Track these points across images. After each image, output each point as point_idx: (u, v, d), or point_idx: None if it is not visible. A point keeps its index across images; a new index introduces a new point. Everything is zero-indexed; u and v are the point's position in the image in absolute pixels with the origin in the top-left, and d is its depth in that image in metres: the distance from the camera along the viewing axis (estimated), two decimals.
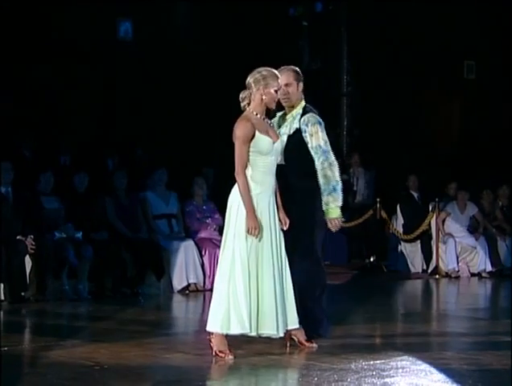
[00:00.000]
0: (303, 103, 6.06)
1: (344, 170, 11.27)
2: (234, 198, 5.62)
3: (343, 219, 6.11)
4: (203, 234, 9.84)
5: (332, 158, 5.96)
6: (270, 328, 5.53)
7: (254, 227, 5.47)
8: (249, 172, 5.61)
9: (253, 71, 5.72)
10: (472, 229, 11.71)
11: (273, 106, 5.76)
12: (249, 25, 12.16)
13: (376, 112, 12.38)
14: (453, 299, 10.10)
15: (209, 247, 9.57)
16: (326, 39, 12.66)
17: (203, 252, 9.62)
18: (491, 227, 11.83)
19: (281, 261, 5.64)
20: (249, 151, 5.57)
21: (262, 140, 5.59)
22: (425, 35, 12.79)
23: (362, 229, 11.63)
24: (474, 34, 12.95)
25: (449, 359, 5.52)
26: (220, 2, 12.03)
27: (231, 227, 5.58)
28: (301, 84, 6.06)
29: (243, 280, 5.46)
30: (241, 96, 5.72)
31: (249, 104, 5.69)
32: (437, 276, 11.30)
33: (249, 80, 5.69)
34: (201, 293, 9.36)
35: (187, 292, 9.48)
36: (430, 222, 11.55)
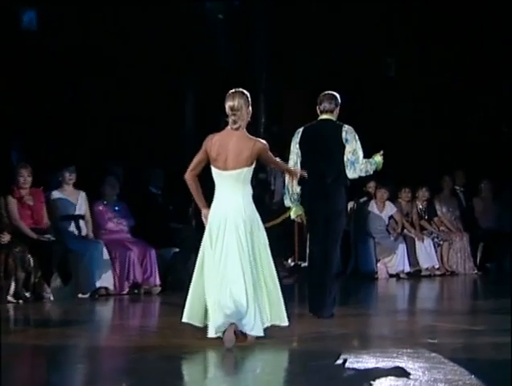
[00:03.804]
0: None
1: (261, 169, 11.04)
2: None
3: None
4: (113, 235, 9.46)
5: None
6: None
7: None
8: None
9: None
10: (391, 229, 11.62)
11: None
12: (164, 20, 11.85)
13: (294, 108, 12.26)
14: (372, 300, 9.96)
15: (120, 249, 9.21)
16: (243, 33, 12.51)
17: (113, 255, 9.23)
18: (410, 228, 11.77)
19: (247, 264, 5.85)
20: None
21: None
22: (345, 30, 12.72)
23: (281, 229, 11.39)
24: (394, 30, 12.98)
25: (366, 359, 5.38)
26: None
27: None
28: None
29: (199, 278, 5.92)
30: None
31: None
32: (355, 277, 11.16)
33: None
34: (112, 297, 9.02)
35: (96, 296, 9.08)
36: (348, 222, 11.40)
